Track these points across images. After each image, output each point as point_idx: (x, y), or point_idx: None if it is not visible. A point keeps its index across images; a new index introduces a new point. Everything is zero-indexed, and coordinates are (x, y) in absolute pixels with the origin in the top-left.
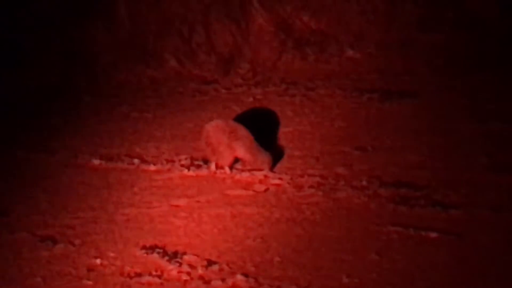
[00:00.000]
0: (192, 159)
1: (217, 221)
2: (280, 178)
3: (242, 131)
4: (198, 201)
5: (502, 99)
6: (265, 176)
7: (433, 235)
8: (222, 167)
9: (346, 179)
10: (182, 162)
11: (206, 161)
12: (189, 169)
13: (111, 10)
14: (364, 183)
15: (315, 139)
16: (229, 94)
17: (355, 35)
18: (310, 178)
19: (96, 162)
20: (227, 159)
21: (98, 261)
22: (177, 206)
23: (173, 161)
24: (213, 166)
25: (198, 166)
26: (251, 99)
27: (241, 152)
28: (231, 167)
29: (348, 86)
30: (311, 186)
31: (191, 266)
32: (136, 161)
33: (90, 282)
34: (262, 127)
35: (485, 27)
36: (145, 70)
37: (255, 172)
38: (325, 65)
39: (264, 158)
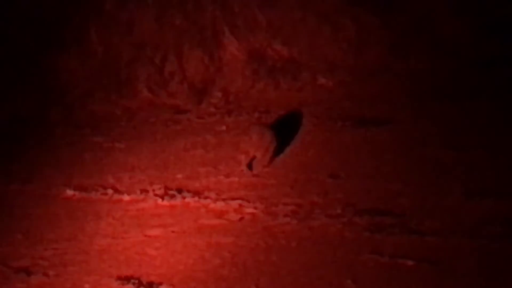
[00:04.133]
0: (166, 188)
1: (192, 250)
2: (254, 207)
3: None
4: (172, 231)
5: (477, 127)
6: (240, 205)
7: (410, 263)
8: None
9: (321, 207)
10: (156, 192)
11: (180, 191)
12: (163, 199)
13: (84, 39)
14: (339, 211)
15: (289, 167)
16: (202, 123)
17: (327, 63)
18: (285, 206)
19: (69, 192)
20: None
21: None
22: (151, 236)
23: (147, 191)
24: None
25: (172, 196)
26: (224, 127)
27: None
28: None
29: (321, 113)
30: (286, 215)
31: None
32: (109, 191)
33: None
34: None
35: (460, 54)
36: (118, 99)
37: (229, 201)
38: (298, 93)
39: None
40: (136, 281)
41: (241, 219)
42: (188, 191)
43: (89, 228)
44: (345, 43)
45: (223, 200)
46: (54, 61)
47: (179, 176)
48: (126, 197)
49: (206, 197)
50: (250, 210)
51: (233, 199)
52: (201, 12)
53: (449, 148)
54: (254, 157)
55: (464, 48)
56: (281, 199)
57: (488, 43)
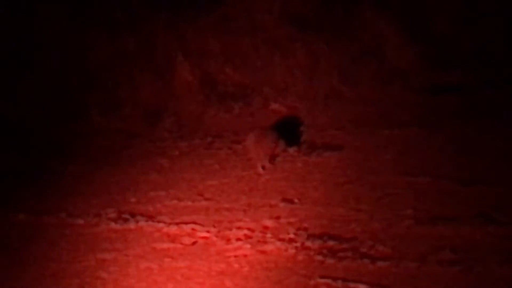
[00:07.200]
0: (119, 212)
1: (146, 275)
2: (207, 231)
3: None
4: (126, 255)
5: (425, 153)
6: (193, 229)
7: (361, 287)
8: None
9: (273, 231)
10: (109, 216)
11: (133, 215)
12: (116, 223)
13: (36, 64)
14: (291, 235)
15: (241, 191)
16: (154, 147)
17: (279, 88)
18: (238, 230)
19: (22, 216)
20: None
21: None
22: (105, 260)
23: (100, 215)
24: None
25: (126, 220)
26: (176, 152)
27: None
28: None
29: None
30: (238, 239)
31: None
32: (62, 215)
33: None
34: (189, 179)
35: (408, 82)
36: (71, 124)
37: (182, 225)
38: (249, 118)
39: None
40: None
41: (194, 243)
42: (141, 215)
43: (42, 252)
44: (296, 69)
45: (176, 224)
46: (6, 86)
47: (133, 200)
48: (79, 221)
49: (159, 221)
50: (203, 234)
51: (186, 223)
52: (153, 37)
53: (399, 174)
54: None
55: (412, 76)
56: (234, 223)
57: (435, 72)
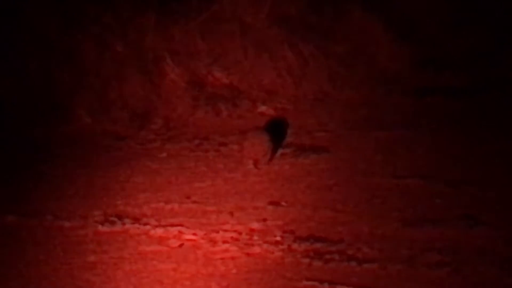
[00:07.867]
0: (106, 215)
1: (132, 277)
2: (194, 234)
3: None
4: (112, 257)
5: (413, 155)
6: (179, 231)
7: None
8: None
9: (260, 234)
10: (96, 218)
11: (120, 217)
12: (103, 225)
13: (24, 66)
14: (278, 238)
15: (228, 194)
16: (142, 149)
17: (267, 91)
18: (225, 233)
19: (8, 219)
20: None
21: None
22: (91, 262)
23: (86, 217)
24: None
25: (112, 222)
26: (164, 154)
27: None
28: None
29: None
30: (225, 241)
31: None
32: (49, 217)
33: None
34: (176, 182)
35: (396, 84)
36: (58, 125)
37: (169, 228)
38: (238, 120)
39: None
40: None
41: (181, 245)
42: (128, 218)
43: (28, 255)
44: (284, 71)
45: (163, 226)
46: None
47: (119, 202)
48: (66, 224)
49: (146, 224)
50: (190, 236)
51: (173, 225)
52: (142, 38)
53: (386, 176)
54: (257, 159)
55: (402, 78)
56: (220, 226)
57: (425, 74)
